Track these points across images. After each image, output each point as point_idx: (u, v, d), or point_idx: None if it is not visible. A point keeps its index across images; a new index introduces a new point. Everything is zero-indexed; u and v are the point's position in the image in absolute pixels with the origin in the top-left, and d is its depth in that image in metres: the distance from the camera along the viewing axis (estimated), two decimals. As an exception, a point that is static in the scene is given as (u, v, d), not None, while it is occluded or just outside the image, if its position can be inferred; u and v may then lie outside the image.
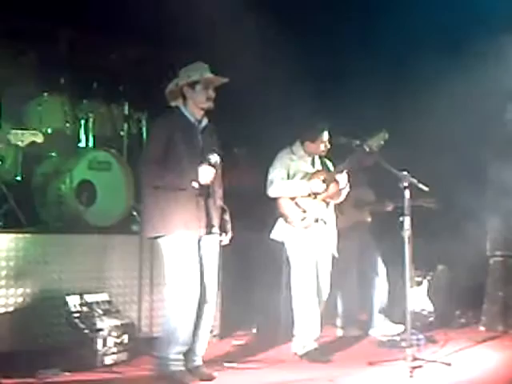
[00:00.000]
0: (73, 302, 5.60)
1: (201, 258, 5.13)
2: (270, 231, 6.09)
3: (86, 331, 5.45)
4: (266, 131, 7.72)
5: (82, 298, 5.65)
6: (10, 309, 5.53)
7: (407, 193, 5.51)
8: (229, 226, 5.26)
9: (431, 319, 7.19)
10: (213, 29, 7.09)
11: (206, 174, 4.97)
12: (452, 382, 5.13)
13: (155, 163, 5.01)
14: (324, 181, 5.95)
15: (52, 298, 5.68)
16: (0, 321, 5.44)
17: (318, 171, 6.09)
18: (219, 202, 5.21)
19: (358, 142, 5.81)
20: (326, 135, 6.08)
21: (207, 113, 5.26)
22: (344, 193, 6.10)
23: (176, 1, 6.77)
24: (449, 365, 5.48)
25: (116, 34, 7.30)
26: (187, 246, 5.02)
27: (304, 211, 5.93)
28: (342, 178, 5.97)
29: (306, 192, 5.94)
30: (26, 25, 7.03)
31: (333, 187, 5.98)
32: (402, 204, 5.55)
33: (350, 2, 7.79)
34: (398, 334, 6.57)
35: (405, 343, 5.59)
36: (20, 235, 5.72)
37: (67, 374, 5.12)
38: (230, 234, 5.29)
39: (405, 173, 5.55)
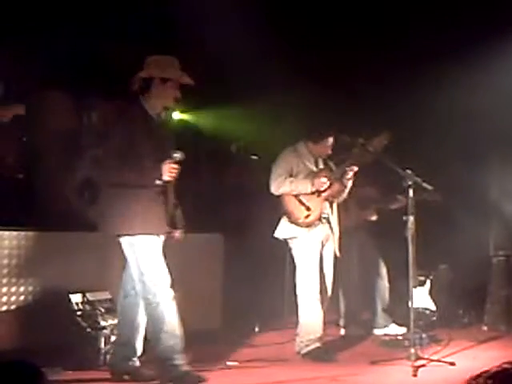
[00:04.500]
0: (75, 300, 5.58)
1: None
2: (274, 230, 6.07)
3: (89, 330, 5.43)
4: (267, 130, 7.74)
5: (84, 296, 5.63)
6: (12, 307, 5.51)
7: (411, 192, 5.51)
8: (182, 222, 5.15)
9: (434, 318, 7.18)
10: (215, 32, 7.08)
11: (171, 171, 4.85)
12: (455, 381, 5.11)
13: (115, 159, 4.77)
14: (327, 180, 5.94)
15: (54, 297, 5.65)
16: (2, 319, 5.43)
17: (321, 170, 6.09)
18: (174, 198, 5.07)
19: (362, 141, 5.80)
20: (329, 140, 6.07)
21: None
22: (346, 191, 6.10)
23: (179, 2, 6.75)
24: (452, 364, 5.47)
25: (120, 31, 7.30)
26: (151, 244, 4.86)
27: (308, 209, 5.92)
28: (349, 177, 5.99)
29: (308, 190, 5.93)
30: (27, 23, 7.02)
31: (336, 186, 5.98)
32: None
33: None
34: (402, 334, 6.57)
35: (408, 342, 5.59)
36: (22, 233, 5.69)
37: (69, 372, 5.11)
38: (183, 230, 5.15)
39: (408, 171, 5.54)
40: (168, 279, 4.88)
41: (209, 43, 7.14)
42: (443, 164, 7.47)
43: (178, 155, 4.87)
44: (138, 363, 5.07)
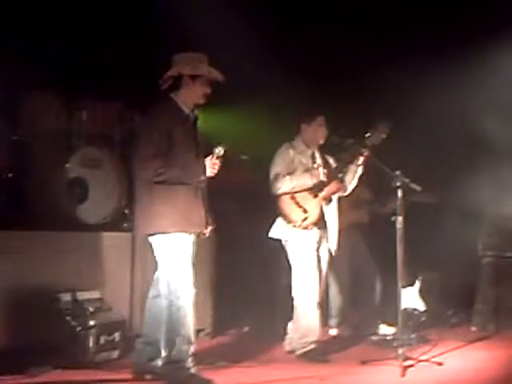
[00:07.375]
0: (64, 299, 5.59)
1: None
2: (268, 229, 6.01)
3: (78, 329, 5.43)
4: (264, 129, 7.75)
5: (73, 295, 5.63)
6: (1, 306, 5.50)
7: (399, 192, 5.52)
8: (210, 219, 5.17)
9: (423, 319, 7.19)
10: (212, 31, 7.08)
11: (214, 167, 4.88)
12: (444, 381, 5.14)
13: (156, 158, 4.77)
14: (324, 173, 5.93)
15: (43, 296, 5.65)
16: (-9, 318, 5.43)
17: (319, 165, 6.04)
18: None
19: (369, 141, 5.78)
20: (322, 119, 6.02)
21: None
22: (353, 183, 6.04)
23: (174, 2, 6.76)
24: (441, 364, 5.49)
25: (111, 32, 7.29)
26: (185, 244, 4.88)
27: (305, 211, 5.88)
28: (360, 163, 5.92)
29: (310, 182, 5.87)
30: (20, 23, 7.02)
31: (334, 184, 5.93)
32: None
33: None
34: (391, 335, 6.59)
35: (397, 343, 5.60)
36: (11, 232, 5.69)
37: (59, 371, 5.11)
38: (210, 227, 5.17)
39: (397, 172, 5.55)
40: (192, 283, 4.89)
41: (201, 44, 7.13)
42: (432, 165, 7.49)
43: (218, 150, 4.89)
44: (161, 363, 5.02)
